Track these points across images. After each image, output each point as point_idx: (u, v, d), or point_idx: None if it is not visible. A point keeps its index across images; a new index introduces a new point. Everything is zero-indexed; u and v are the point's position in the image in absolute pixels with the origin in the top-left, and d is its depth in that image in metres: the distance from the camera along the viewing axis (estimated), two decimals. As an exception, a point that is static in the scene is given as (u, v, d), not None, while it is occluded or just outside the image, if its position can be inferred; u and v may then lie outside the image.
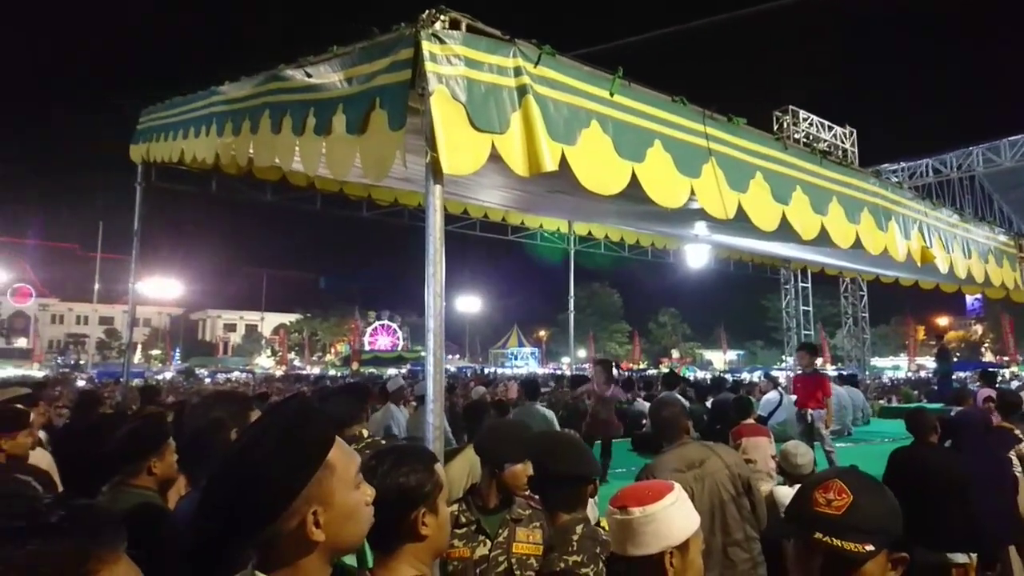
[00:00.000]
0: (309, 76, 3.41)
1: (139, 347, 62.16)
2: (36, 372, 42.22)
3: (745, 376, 30.90)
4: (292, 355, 60.33)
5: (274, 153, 4.07)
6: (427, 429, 2.27)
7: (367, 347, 57.23)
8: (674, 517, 1.43)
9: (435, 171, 2.47)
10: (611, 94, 3.00)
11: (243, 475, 1.01)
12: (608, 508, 1.49)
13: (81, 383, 24.97)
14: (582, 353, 45.21)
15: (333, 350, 63.02)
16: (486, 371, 41.66)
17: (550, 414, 5.85)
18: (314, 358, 60.41)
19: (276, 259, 77.34)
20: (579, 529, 1.97)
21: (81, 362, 51.60)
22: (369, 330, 63.53)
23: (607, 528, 1.63)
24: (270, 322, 69.36)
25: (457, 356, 63.84)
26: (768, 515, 3.30)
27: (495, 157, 2.68)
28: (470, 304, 64.00)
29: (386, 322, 66.68)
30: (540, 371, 44.24)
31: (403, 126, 2.72)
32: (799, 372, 8.02)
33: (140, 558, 1.85)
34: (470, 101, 2.51)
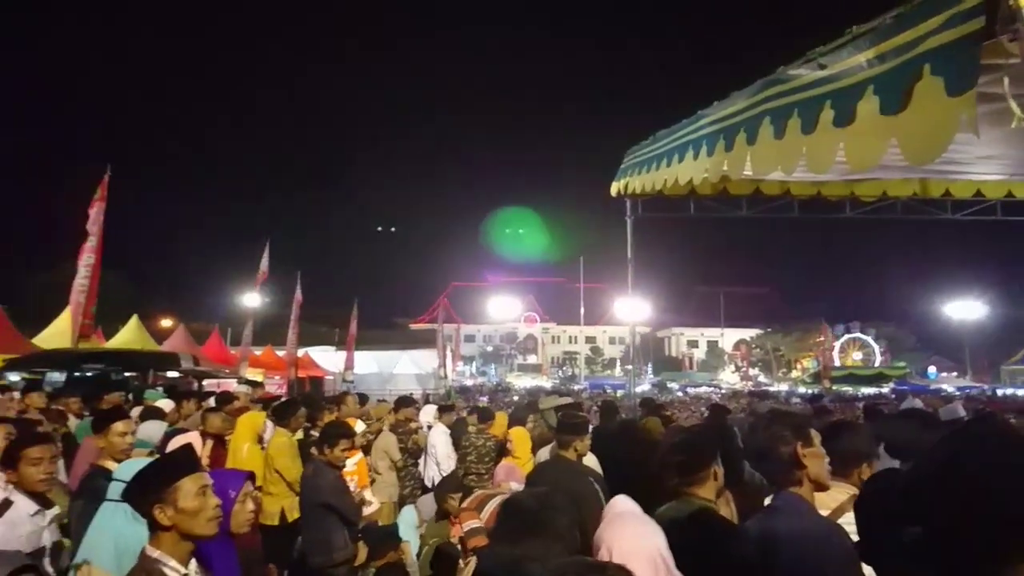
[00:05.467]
0: (822, 67, 3.15)
1: (618, 362, 70.26)
2: (544, 383, 51.59)
3: None
4: (755, 371, 59.38)
5: (776, 160, 3.91)
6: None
7: (836, 363, 52.48)
8: None
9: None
10: None
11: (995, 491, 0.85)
12: None
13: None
14: None
15: (799, 366, 59.66)
16: (999, 392, 33.27)
17: None
18: (779, 374, 58.18)
19: (733, 275, 77.79)
20: None
21: (574, 374, 60.99)
22: (838, 344, 58.20)
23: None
24: (730, 338, 69.83)
25: (955, 374, 52.92)
26: None
27: None
28: (969, 309, 52.20)
29: (858, 335, 60.06)
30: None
31: (968, 89, 2.23)
32: None
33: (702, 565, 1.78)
34: (1091, 30, 1.89)
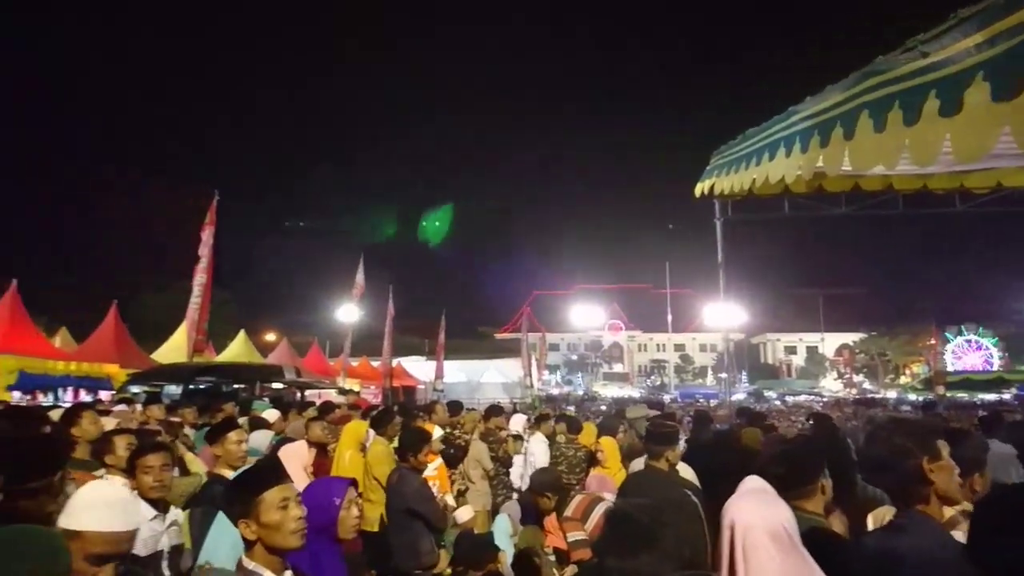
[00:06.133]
0: (925, 55, 2.98)
1: (709, 371, 68.08)
2: (632, 392, 50.71)
3: None
4: (859, 377, 56.07)
5: (876, 154, 3.73)
6: None
7: (949, 367, 48.75)
8: None
9: None
10: None
11: None
12: None
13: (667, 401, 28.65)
14: None
15: (907, 371, 55.85)
16: None
17: None
18: (886, 380, 54.68)
19: (833, 276, 73.88)
20: None
21: (663, 383, 59.60)
22: (951, 347, 54.09)
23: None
24: (831, 343, 66.28)
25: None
26: None
27: None
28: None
29: (973, 337, 55.63)
30: None
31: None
32: None
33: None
34: None
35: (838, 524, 2.94)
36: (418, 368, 29.80)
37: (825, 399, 38.28)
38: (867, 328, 60.18)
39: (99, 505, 1.73)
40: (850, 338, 62.12)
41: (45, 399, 13.54)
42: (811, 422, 8.42)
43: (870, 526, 2.92)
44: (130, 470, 3.30)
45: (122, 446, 3.65)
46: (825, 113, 4.31)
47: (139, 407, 7.88)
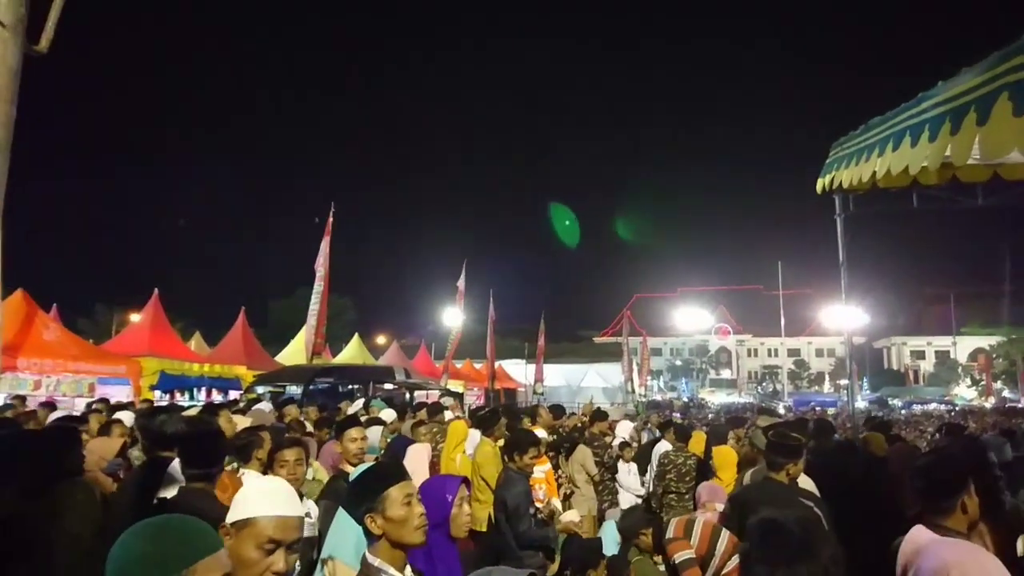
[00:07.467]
0: (1082, 28, 2.69)
1: (826, 377, 64.16)
2: (739, 399, 48.66)
3: None
4: (998, 384, 50.92)
5: (1013, 141, 3.43)
6: None
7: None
8: None
9: None
10: None
11: None
12: None
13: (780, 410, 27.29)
14: None
15: (1057, 378, 50.08)
16: None
17: None
18: (1030, 388, 49.35)
19: (966, 274, 67.56)
20: None
21: (776, 389, 56.74)
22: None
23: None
24: (964, 346, 60.63)
25: None
26: None
27: None
28: None
29: None
30: None
31: None
32: None
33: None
34: None
35: (980, 543, 2.70)
36: (518, 371, 30.09)
37: (957, 408, 35.08)
38: (1007, 330, 54.56)
39: (266, 493, 1.76)
40: (986, 341, 56.55)
41: (182, 398, 14.77)
42: (939, 433, 7.75)
43: (1020, 550, 2.66)
44: (268, 464, 3.56)
45: (266, 441, 3.91)
46: (959, 98, 3.98)
47: (269, 405, 8.45)
